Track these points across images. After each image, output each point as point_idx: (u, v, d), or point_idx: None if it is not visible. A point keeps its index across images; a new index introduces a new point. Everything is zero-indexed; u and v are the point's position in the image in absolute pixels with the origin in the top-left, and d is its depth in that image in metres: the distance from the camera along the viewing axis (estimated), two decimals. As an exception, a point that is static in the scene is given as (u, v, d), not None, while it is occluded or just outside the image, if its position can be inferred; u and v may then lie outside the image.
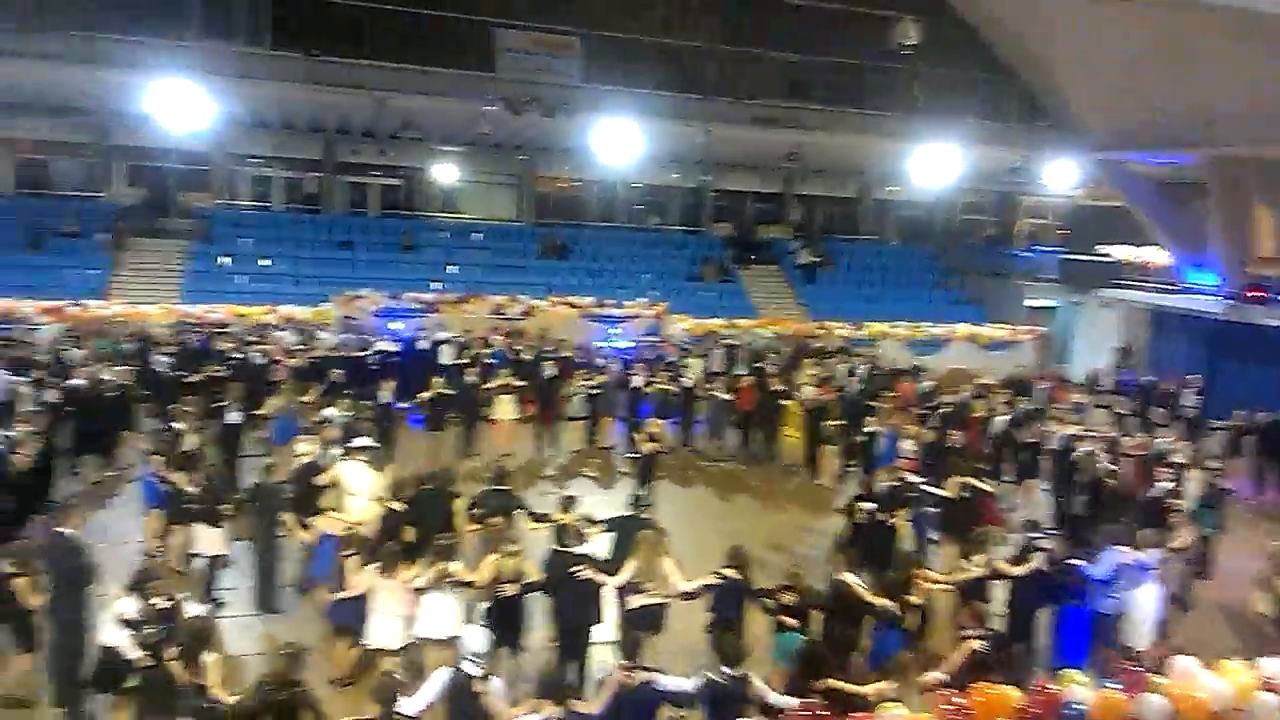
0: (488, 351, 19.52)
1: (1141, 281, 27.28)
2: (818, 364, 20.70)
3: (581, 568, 8.68)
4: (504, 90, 22.14)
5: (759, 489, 16.60)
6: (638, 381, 17.82)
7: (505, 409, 17.10)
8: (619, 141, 23.40)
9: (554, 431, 17.67)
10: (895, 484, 11.92)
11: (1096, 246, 31.43)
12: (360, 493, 10.92)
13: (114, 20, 21.56)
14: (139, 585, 7.86)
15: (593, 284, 27.55)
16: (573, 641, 8.83)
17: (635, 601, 8.76)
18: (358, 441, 12.02)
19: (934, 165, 25.68)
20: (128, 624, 7.66)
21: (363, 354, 18.78)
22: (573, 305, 25.46)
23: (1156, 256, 27.91)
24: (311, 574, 10.71)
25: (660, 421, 16.43)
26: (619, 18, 25.83)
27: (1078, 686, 7.34)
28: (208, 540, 10.54)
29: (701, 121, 24.41)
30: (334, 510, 10.34)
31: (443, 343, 19.83)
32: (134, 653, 7.49)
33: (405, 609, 8.79)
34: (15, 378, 15.46)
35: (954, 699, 7.06)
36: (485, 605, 8.80)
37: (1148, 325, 26.86)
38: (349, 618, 8.97)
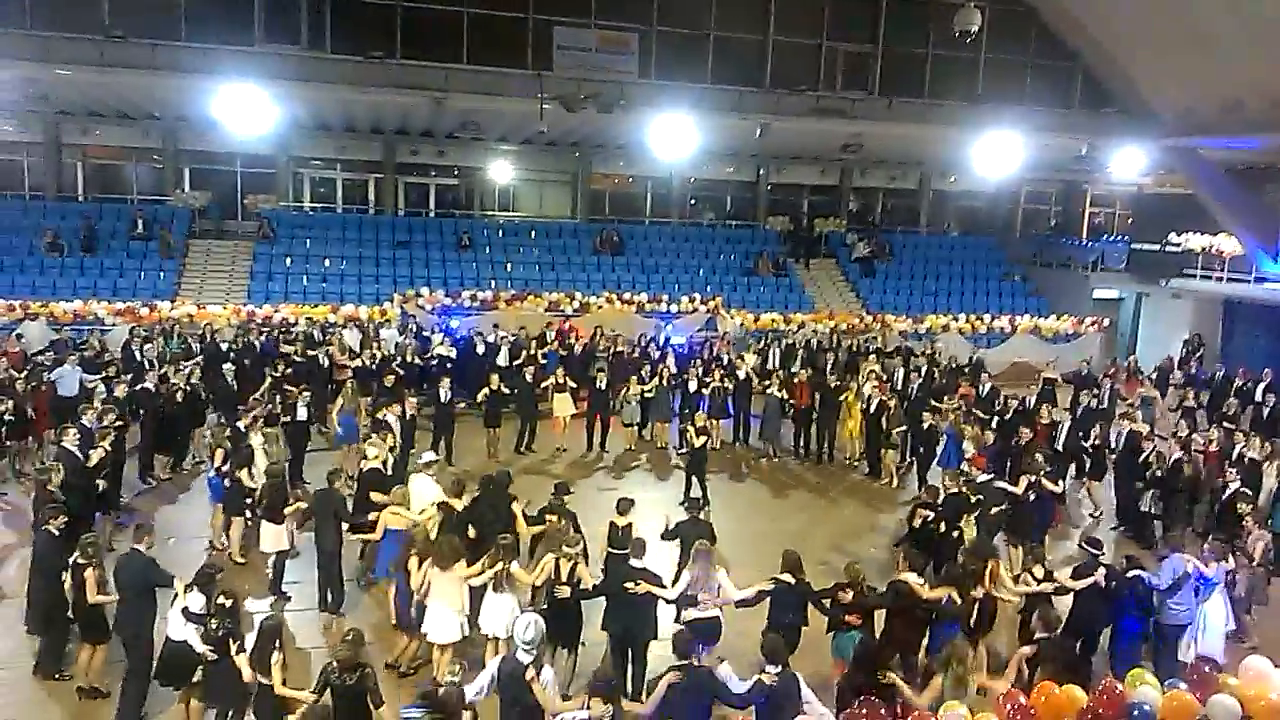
0: (543, 351, 19.67)
1: (1213, 271, 26.46)
2: (877, 362, 20.34)
3: (637, 584, 8.54)
4: (562, 88, 22.14)
5: (817, 486, 16.45)
6: (693, 386, 17.73)
7: (562, 405, 17.23)
8: (675, 137, 23.26)
9: (607, 427, 17.61)
10: (958, 490, 11.65)
11: (1168, 235, 30.50)
12: (426, 504, 11.03)
13: (180, 28, 22.14)
14: (203, 581, 8.05)
15: (647, 280, 27.62)
16: (628, 650, 8.80)
17: (690, 614, 8.72)
18: (426, 456, 12.22)
19: (996, 154, 25.08)
20: (193, 618, 7.85)
21: (422, 360, 19.02)
22: (627, 301, 25.57)
23: (1230, 245, 27.03)
24: (375, 573, 10.90)
25: (707, 414, 16.26)
26: (675, 13, 25.75)
27: (1146, 686, 7.12)
28: (273, 537, 10.82)
29: (759, 114, 24.17)
30: (398, 506, 10.43)
31: (500, 342, 19.95)
32: (200, 647, 7.69)
33: (461, 602, 8.89)
34: (88, 374, 15.98)
35: (1017, 699, 6.90)
36: (541, 605, 8.84)
37: (1219, 316, 26.06)
38: (416, 616, 9.18)
